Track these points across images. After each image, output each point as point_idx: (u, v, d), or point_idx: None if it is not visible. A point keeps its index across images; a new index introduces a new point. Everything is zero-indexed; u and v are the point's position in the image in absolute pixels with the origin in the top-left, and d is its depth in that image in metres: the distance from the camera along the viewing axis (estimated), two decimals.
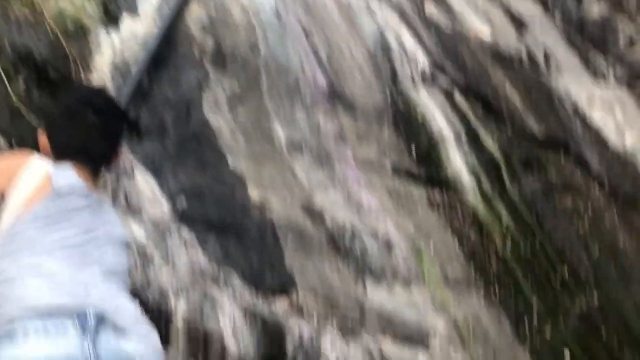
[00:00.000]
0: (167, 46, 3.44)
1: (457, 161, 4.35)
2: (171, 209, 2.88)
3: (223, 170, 3.20)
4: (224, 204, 3.10)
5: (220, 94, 3.48)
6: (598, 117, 5.43)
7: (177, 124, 3.23)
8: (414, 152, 4.18)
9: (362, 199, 3.65)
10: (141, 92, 3.22)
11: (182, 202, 2.94)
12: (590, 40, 6.72)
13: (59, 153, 1.76)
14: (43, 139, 1.82)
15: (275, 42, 3.89)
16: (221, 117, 3.41)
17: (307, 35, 4.14)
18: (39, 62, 2.95)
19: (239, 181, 3.21)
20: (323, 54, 4.12)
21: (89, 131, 1.75)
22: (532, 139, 4.92)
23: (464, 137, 4.49)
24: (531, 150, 4.83)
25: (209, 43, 3.61)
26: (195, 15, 3.70)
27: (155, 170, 2.94)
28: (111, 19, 3.57)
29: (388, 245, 3.50)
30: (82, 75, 2.95)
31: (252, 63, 3.70)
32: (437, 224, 3.87)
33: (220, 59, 3.61)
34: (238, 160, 3.29)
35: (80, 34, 3.13)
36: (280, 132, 3.58)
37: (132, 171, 2.83)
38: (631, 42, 6.61)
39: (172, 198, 2.90)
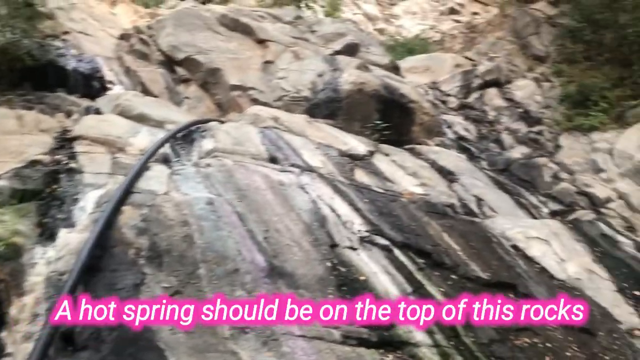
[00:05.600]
0: (102, 252, 3.56)
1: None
2: None
3: None
4: None
5: (157, 292, 3.54)
6: (537, 252, 5.65)
7: (113, 329, 3.23)
8: (364, 316, 4.19)
9: None
10: (75, 301, 3.26)
11: None
12: (518, 181, 7.20)
13: None
14: None
15: (210, 232, 4.06)
16: None
17: (242, 219, 4.35)
18: None
19: None
20: (259, 235, 4.29)
21: None
22: (478, 284, 5.02)
23: (409, 292, 4.56)
24: (479, 294, 4.89)
25: (144, 243, 3.75)
26: (129, 218, 3.90)
27: None
28: (47, 234, 3.72)
29: None
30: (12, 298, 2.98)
31: (188, 256, 3.83)
32: None
33: (156, 256, 3.73)
34: (179, 356, 3.25)
35: (12, 255, 3.24)
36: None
37: None
38: (555, 178, 7.10)
39: None
